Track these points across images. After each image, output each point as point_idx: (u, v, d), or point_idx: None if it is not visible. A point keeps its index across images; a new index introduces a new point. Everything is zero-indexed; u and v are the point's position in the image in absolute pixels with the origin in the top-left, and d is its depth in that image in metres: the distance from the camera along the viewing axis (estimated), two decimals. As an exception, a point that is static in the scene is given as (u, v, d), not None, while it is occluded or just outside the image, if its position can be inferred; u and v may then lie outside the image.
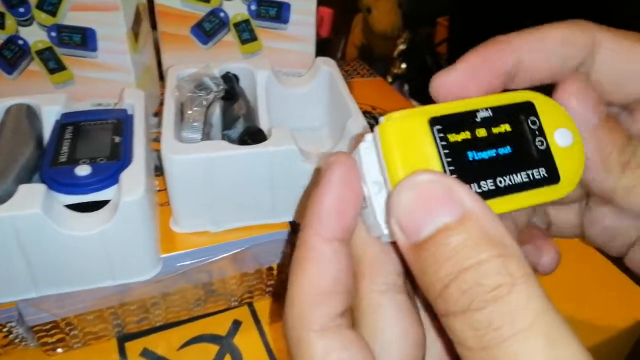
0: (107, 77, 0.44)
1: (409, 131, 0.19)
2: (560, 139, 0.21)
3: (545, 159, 0.21)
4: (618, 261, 0.43)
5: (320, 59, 0.46)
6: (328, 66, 0.46)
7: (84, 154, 0.35)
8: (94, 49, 0.43)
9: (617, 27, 0.23)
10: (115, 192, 0.33)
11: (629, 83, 0.23)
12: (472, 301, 0.15)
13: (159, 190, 0.41)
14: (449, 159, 0.19)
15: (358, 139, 0.23)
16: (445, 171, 0.19)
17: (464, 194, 0.17)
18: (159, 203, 0.40)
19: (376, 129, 0.19)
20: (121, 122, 0.38)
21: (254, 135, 0.36)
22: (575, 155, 0.21)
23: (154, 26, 0.48)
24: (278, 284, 0.41)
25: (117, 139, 0.36)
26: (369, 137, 0.20)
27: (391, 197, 0.18)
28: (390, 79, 1.06)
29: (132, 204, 0.32)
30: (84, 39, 0.43)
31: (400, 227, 0.17)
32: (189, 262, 0.37)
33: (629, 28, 0.23)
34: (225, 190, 0.36)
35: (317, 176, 0.24)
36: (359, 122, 0.39)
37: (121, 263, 0.34)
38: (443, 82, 0.22)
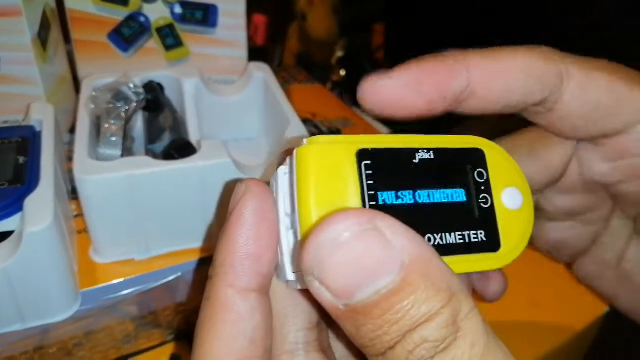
0: (13, 91, 0.39)
1: (332, 161, 0.16)
2: (508, 199, 0.18)
3: (487, 220, 0.18)
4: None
5: (254, 64, 0.43)
6: (262, 72, 0.42)
7: (-18, 179, 0.30)
8: (-5, 60, 0.38)
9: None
10: (19, 222, 0.29)
11: (600, 119, 0.21)
12: (421, 358, 0.13)
13: (75, 216, 0.36)
14: (373, 202, 0.16)
15: (287, 152, 0.19)
16: None
17: (403, 240, 0.14)
18: (77, 230, 0.35)
19: (294, 152, 0.16)
20: (27, 141, 0.33)
21: (181, 149, 0.32)
22: (522, 219, 0.18)
23: (67, 33, 0.43)
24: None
25: (21, 160, 0.32)
26: (290, 159, 0.17)
27: (308, 252, 0.14)
28: (330, 86, 1.04)
29: (38, 235, 0.27)
30: (-18, 49, 0.38)
31: (327, 288, 0.14)
32: (113, 296, 0.32)
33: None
34: (151, 212, 0.32)
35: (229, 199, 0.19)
36: (298, 130, 0.36)
37: (30, 303, 0.30)
38: (376, 87, 0.19)
